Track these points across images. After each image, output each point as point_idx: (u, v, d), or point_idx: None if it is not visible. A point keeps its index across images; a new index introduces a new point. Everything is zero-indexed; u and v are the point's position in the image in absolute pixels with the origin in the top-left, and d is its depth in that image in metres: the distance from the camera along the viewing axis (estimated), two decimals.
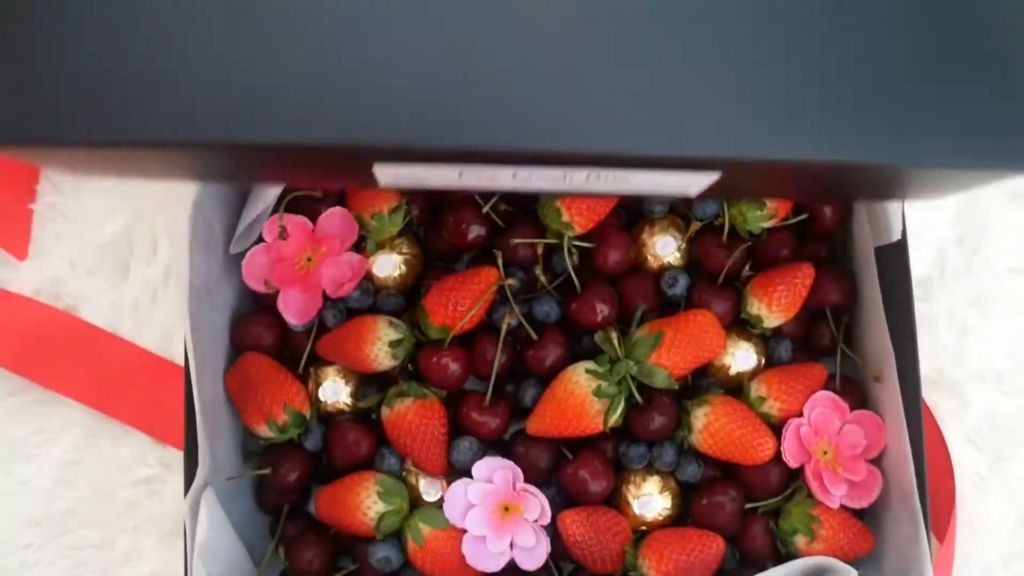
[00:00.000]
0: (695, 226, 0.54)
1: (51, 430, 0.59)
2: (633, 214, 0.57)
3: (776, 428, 0.53)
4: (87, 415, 0.59)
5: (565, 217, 0.53)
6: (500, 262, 0.54)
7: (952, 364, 0.58)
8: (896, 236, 0.50)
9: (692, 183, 0.35)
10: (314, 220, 0.55)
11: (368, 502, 0.52)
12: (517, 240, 0.54)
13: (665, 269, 0.56)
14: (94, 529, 0.59)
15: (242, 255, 0.54)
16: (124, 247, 0.60)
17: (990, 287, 0.59)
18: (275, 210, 0.53)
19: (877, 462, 0.53)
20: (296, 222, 0.54)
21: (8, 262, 0.60)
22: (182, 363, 0.58)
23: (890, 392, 0.51)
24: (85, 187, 0.61)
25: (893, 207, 0.50)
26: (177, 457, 0.58)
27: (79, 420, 0.59)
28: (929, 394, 0.58)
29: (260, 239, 0.54)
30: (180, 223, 0.49)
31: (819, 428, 0.53)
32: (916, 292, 0.57)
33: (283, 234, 0.52)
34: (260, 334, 0.55)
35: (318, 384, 0.55)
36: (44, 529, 0.59)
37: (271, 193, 0.51)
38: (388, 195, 0.55)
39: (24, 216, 0.60)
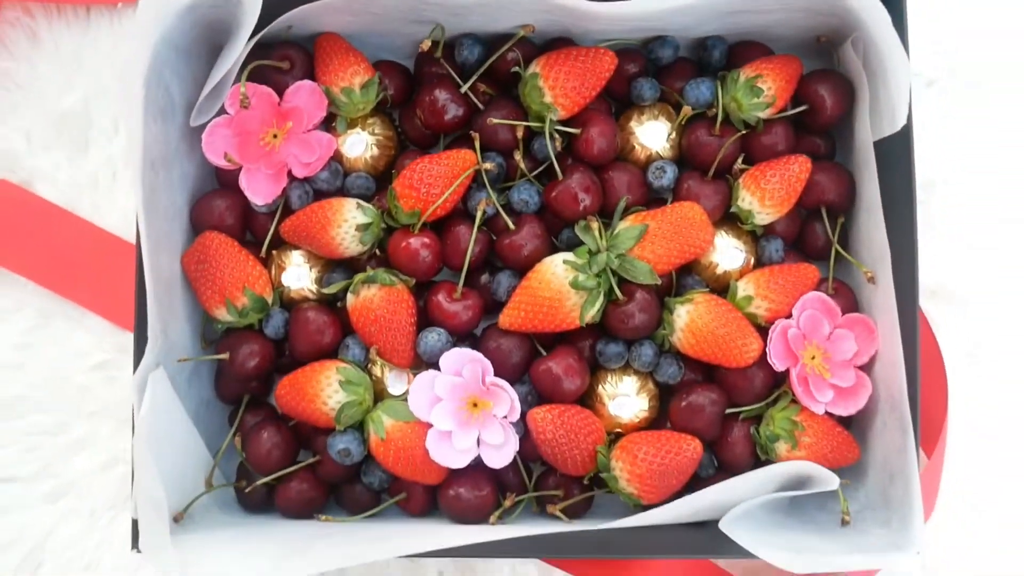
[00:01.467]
0: (686, 111, 0.51)
1: (3, 310, 0.57)
2: (621, 100, 0.54)
3: (763, 330, 0.50)
4: (41, 296, 0.56)
5: (548, 97, 0.50)
6: (477, 145, 0.51)
7: (951, 273, 0.55)
8: (900, 124, 0.46)
9: None
10: (281, 94, 0.51)
11: (329, 391, 0.49)
12: (496, 120, 0.51)
13: (653, 159, 0.52)
14: (47, 414, 0.56)
15: (203, 128, 0.51)
16: (83, 120, 0.57)
17: (996, 189, 0.56)
18: (238, 79, 0.50)
19: (867, 369, 0.50)
20: (261, 93, 0.50)
21: None
22: None
23: (884, 295, 0.49)
24: (40, 53, 0.57)
25: (899, 93, 0.46)
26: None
27: (32, 301, 0.57)
28: (926, 303, 0.55)
29: (223, 111, 0.51)
30: (135, 88, 0.46)
31: (808, 332, 0.50)
32: (918, 196, 0.54)
33: (245, 101, 0.49)
34: (221, 213, 0.52)
35: (281, 269, 0.52)
36: None
37: (232, 58, 0.48)
38: (360, 67, 0.51)
39: None
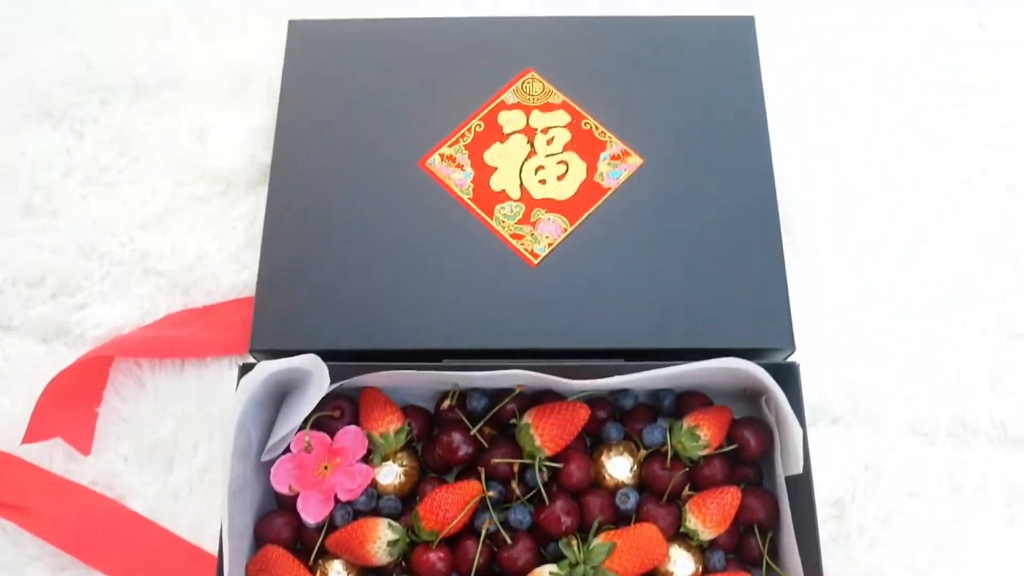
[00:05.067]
0: (642, 453, 0.66)
1: None
2: (594, 438, 0.69)
3: None
4: None
5: (537, 441, 0.65)
6: (483, 477, 0.66)
7: (863, 574, 0.69)
8: (798, 471, 0.62)
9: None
10: (332, 435, 0.67)
11: None
12: (497, 460, 0.66)
13: (619, 486, 0.67)
14: None
15: (271, 461, 0.66)
16: (170, 447, 0.72)
17: (893, 507, 0.70)
18: (302, 427, 0.66)
19: None
20: (318, 437, 0.66)
21: (74, 456, 0.72)
22: (209, 549, 0.68)
23: None
24: (143, 395, 0.73)
25: (796, 447, 0.62)
26: None
27: None
28: None
29: (287, 449, 0.66)
30: (229, 438, 0.61)
31: None
32: (831, 511, 0.69)
33: (308, 449, 0.64)
34: (280, 529, 0.66)
35: (325, 574, 0.65)
36: None
37: (301, 415, 0.64)
38: (394, 417, 0.67)
39: (91, 418, 0.72)
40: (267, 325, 0.68)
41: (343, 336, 0.67)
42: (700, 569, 0.65)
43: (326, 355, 0.64)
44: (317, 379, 0.63)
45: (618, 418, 0.70)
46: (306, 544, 0.67)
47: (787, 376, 0.64)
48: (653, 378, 0.64)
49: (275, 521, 0.66)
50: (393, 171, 0.72)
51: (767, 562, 0.66)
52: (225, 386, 0.73)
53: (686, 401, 0.70)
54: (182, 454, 0.72)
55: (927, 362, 0.75)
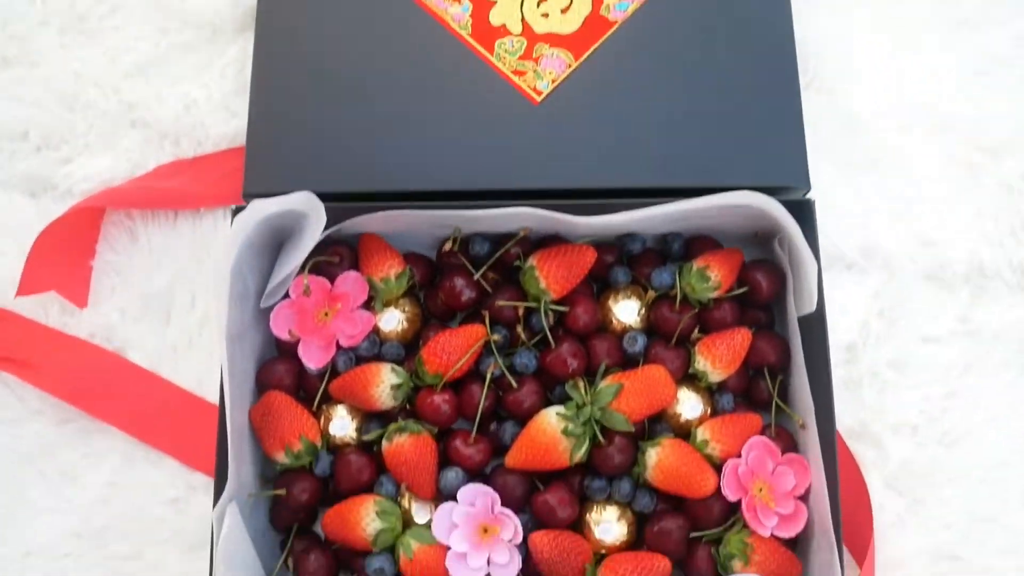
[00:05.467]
0: (650, 295, 0.64)
1: (96, 454, 0.68)
2: (601, 283, 0.68)
3: (718, 467, 0.62)
4: (128, 442, 0.68)
5: (543, 284, 0.63)
6: (487, 321, 0.64)
7: (873, 418, 0.68)
8: (811, 308, 0.60)
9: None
10: (332, 281, 0.65)
11: (367, 519, 0.61)
12: (502, 303, 0.64)
13: (627, 330, 0.65)
14: (127, 543, 0.67)
15: (270, 308, 0.64)
16: (167, 299, 0.70)
17: (906, 353, 0.69)
18: (300, 271, 0.64)
19: (804, 499, 0.62)
20: (317, 282, 0.64)
21: (70, 309, 0.70)
22: (212, 401, 0.68)
23: (812, 439, 0.61)
24: (136, 247, 0.71)
25: (810, 284, 0.60)
26: (201, 480, 0.68)
27: (120, 446, 0.68)
28: (853, 444, 0.67)
29: (286, 295, 0.64)
30: (225, 281, 0.59)
31: (755, 468, 0.62)
32: (843, 356, 0.68)
33: (307, 291, 0.63)
34: (282, 376, 0.65)
35: (328, 420, 0.64)
36: (83, 542, 0.67)
37: (298, 257, 0.62)
38: (395, 261, 0.65)
39: (85, 270, 0.71)
40: (260, 170, 0.65)
41: (339, 179, 0.64)
42: (708, 411, 0.64)
43: (322, 198, 0.62)
44: (314, 218, 0.61)
45: (625, 262, 0.68)
46: (308, 390, 0.66)
47: (802, 213, 0.62)
48: (663, 215, 0.62)
49: (277, 368, 0.65)
50: (386, 6, 0.68)
51: (777, 403, 0.65)
52: (220, 237, 0.71)
53: (696, 245, 0.67)
54: (179, 307, 0.70)
55: (945, 207, 0.73)
